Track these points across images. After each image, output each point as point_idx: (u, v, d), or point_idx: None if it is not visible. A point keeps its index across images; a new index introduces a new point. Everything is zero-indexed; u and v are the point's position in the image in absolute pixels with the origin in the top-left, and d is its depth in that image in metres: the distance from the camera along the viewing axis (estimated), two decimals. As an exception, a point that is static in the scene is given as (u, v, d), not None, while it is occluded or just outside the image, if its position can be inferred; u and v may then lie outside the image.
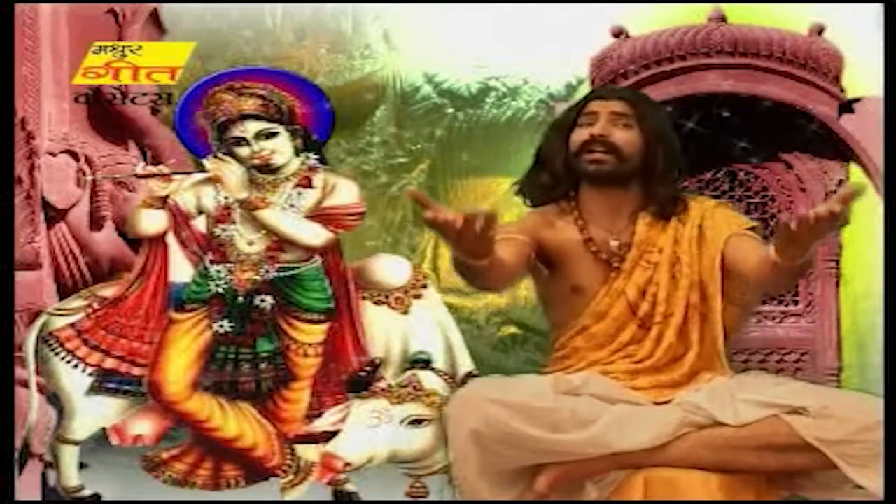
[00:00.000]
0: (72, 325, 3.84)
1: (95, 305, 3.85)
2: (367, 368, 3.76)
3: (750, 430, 2.52)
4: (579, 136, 2.73)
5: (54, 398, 3.86)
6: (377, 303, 3.83)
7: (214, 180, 3.80)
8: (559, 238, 2.73)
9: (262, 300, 3.78)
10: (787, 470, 2.56)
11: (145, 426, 3.85)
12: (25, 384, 3.78)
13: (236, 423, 3.81)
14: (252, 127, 3.78)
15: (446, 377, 3.73)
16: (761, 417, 2.52)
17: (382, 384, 3.69)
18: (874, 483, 2.47)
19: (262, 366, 3.80)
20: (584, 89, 4.81)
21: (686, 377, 2.68)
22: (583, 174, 2.73)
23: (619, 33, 4.83)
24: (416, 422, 3.62)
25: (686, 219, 2.74)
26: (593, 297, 2.72)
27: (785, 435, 2.50)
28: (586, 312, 2.71)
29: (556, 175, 2.76)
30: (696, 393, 2.62)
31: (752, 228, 2.73)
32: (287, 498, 3.79)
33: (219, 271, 3.81)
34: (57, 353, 3.82)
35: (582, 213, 2.74)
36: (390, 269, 3.89)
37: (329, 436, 3.64)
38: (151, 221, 3.83)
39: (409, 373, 3.70)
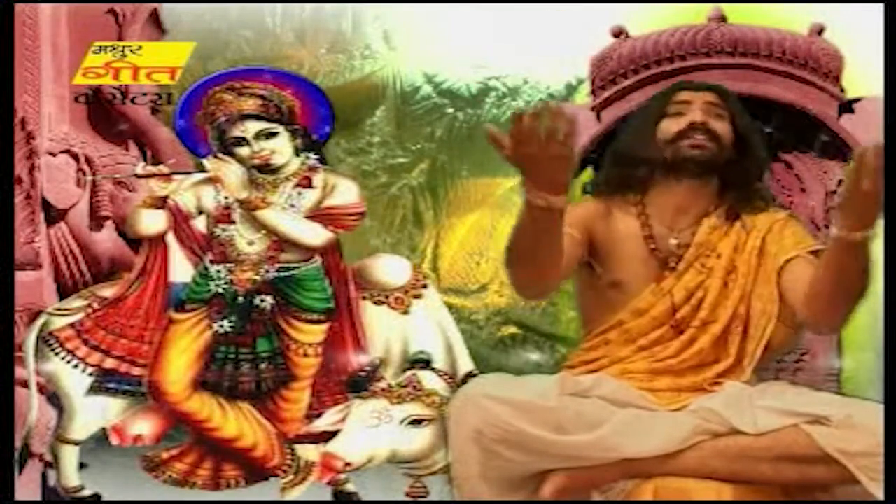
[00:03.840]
0: (72, 325, 3.84)
1: (95, 305, 3.85)
2: (367, 368, 3.76)
3: (767, 440, 2.43)
4: (674, 124, 2.67)
5: (54, 398, 3.86)
6: (377, 303, 3.83)
7: (214, 180, 3.80)
8: (614, 230, 2.66)
9: (262, 300, 3.78)
10: (805, 483, 2.45)
11: (145, 426, 3.85)
12: (25, 384, 3.78)
13: (236, 423, 3.81)
14: (252, 127, 3.78)
15: (446, 377, 3.73)
16: (780, 426, 2.43)
17: (382, 384, 3.69)
18: None
19: (262, 366, 3.80)
20: (585, 89, 4.82)
21: (709, 383, 2.58)
22: (680, 160, 2.64)
23: (619, 33, 4.83)
24: (416, 422, 3.62)
25: (751, 227, 2.66)
26: (634, 294, 2.64)
27: (804, 445, 2.40)
28: (626, 308, 2.64)
29: (637, 166, 2.69)
30: (713, 399, 2.52)
31: (816, 252, 2.59)
32: (287, 498, 3.79)
33: (219, 271, 3.81)
34: (57, 353, 3.82)
35: (646, 207, 2.67)
36: (390, 269, 3.89)
37: (329, 436, 3.64)
38: (151, 221, 3.83)
39: (409, 373, 3.70)
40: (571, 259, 2.58)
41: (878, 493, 2.36)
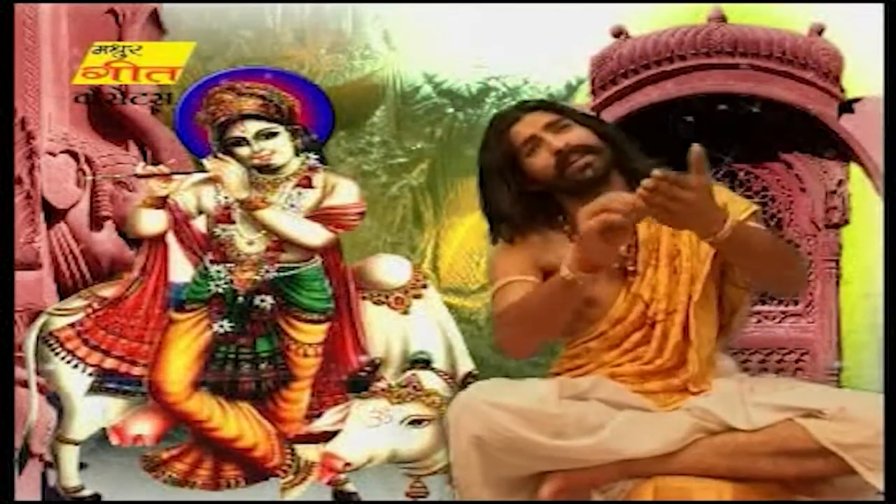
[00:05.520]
0: (72, 325, 3.84)
1: (95, 305, 3.85)
2: (367, 368, 3.76)
3: (763, 436, 2.44)
4: (540, 161, 2.65)
5: (54, 398, 3.86)
6: (377, 303, 3.83)
7: (214, 180, 3.80)
8: (561, 257, 2.59)
9: (262, 300, 3.78)
10: (804, 476, 2.46)
11: (145, 426, 3.85)
12: (25, 384, 3.78)
13: (236, 423, 3.81)
14: (252, 127, 3.78)
15: (446, 377, 3.73)
16: (775, 421, 2.44)
17: (382, 384, 3.69)
18: None
19: (262, 366, 3.80)
20: (585, 89, 4.81)
21: (693, 377, 2.59)
22: (581, 183, 2.63)
23: (619, 33, 4.83)
24: (416, 422, 3.62)
25: None
26: (609, 305, 2.65)
27: (800, 439, 2.42)
28: (604, 319, 2.65)
29: (526, 215, 2.68)
30: (707, 398, 2.54)
31: (754, 213, 2.64)
32: (287, 498, 3.79)
33: (219, 271, 3.81)
34: (57, 353, 3.82)
35: (576, 229, 2.59)
36: (390, 269, 3.89)
37: (329, 436, 3.64)
38: (151, 221, 3.83)
39: (409, 373, 3.70)
40: None
41: (878, 482, 2.37)
